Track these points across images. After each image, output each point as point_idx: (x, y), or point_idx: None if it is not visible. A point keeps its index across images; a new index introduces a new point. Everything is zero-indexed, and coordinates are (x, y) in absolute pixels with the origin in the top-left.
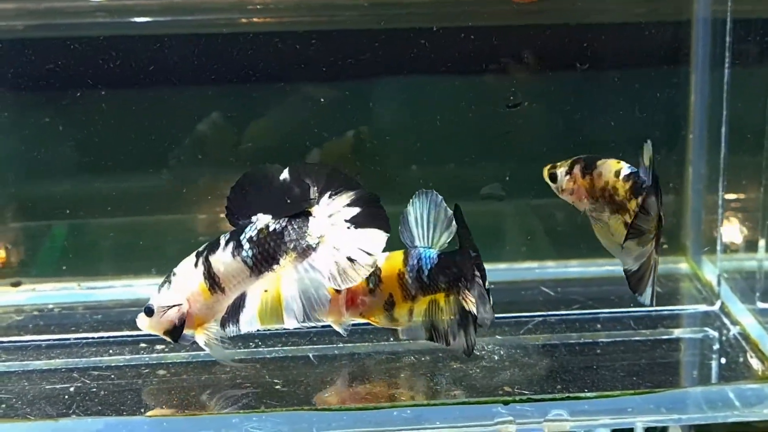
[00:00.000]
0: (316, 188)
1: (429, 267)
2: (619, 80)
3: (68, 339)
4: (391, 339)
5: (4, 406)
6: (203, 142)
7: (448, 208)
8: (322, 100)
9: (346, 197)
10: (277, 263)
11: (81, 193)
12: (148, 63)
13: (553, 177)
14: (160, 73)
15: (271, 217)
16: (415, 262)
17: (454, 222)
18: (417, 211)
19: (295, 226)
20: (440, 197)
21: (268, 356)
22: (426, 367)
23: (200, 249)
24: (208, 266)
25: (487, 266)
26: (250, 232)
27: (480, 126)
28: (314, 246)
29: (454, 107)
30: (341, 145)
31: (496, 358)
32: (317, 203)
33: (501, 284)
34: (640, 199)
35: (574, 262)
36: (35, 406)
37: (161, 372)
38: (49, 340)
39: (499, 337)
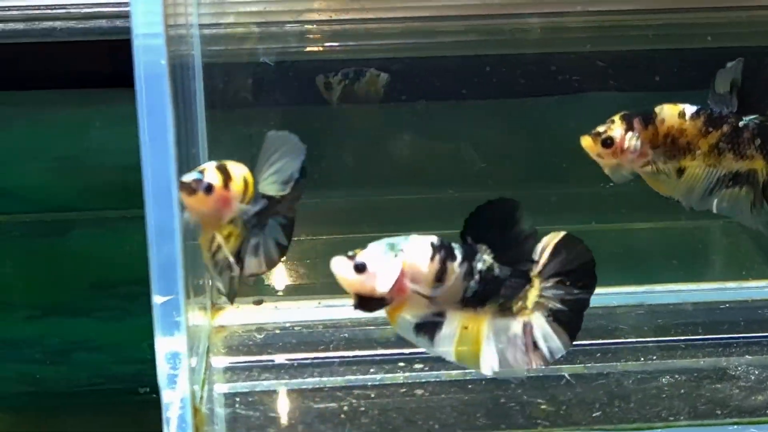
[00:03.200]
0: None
1: None
2: None
3: (321, 357)
4: (643, 359)
5: (284, 424)
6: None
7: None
8: None
9: (566, 277)
10: (482, 306)
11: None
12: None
13: (609, 141)
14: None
15: (492, 256)
16: None
17: None
18: None
19: (514, 282)
20: None
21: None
22: (685, 387)
23: (435, 242)
24: (443, 269)
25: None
26: (480, 263)
27: None
28: (515, 311)
29: None
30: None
31: (753, 378)
32: (539, 268)
33: (733, 303)
34: (725, 127)
35: None
36: (311, 426)
37: (419, 391)
38: (305, 359)
39: (749, 357)
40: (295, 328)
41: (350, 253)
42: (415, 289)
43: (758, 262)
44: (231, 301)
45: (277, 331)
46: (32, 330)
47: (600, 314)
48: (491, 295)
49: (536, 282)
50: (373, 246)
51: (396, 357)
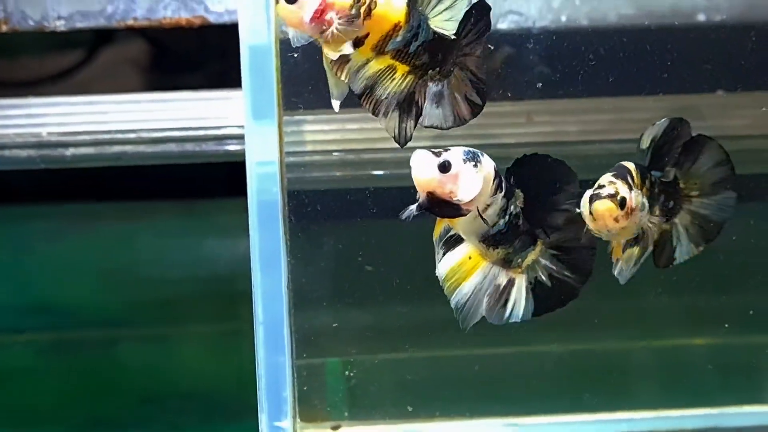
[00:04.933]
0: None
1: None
2: None
3: None
4: None
5: None
6: None
7: None
8: None
9: (565, 255)
10: (494, 248)
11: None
12: None
13: (623, 202)
14: None
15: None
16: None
17: None
18: None
19: (525, 239)
20: None
21: None
22: None
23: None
24: (495, 195)
25: None
26: (513, 206)
27: None
28: (512, 265)
29: None
30: None
31: None
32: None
33: None
34: (647, 183)
35: None
36: None
37: None
38: None
39: None
40: None
41: (435, 150)
42: (480, 205)
43: None
44: (402, 145)
45: None
46: None
47: None
48: (506, 241)
49: (538, 249)
50: (456, 150)
51: None
